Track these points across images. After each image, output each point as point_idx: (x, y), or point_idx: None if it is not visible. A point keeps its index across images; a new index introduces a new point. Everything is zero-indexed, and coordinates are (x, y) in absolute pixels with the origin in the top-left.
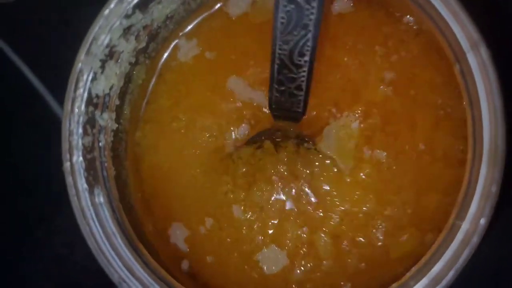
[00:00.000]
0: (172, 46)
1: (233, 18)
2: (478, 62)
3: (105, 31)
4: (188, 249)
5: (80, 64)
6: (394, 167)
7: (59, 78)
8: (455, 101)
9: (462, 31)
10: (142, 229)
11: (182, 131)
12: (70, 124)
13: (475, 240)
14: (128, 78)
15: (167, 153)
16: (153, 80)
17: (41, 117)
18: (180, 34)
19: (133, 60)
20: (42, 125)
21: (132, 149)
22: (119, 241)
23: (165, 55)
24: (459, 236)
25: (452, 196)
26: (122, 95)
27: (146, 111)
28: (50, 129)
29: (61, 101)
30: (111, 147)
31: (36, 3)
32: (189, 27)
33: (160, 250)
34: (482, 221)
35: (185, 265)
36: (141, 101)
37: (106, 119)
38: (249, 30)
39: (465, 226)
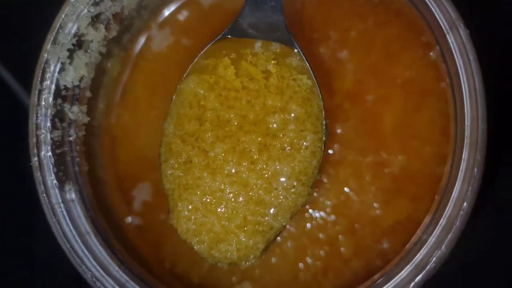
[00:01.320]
0: (146, 36)
1: (206, 7)
2: (457, 42)
3: (72, 19)
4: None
5: (46, 54)
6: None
7: (27, 66)
8: (435, 83)
9: (441, 12)
10: (120, 225)
11: (161, 120)
12: (37, 118)
13: (457, 225)
14: (101, 71)
15: (146, 143)
16: (129, 71)
17: (8, 109)
18: (154, 24)
19: (103, 50)
20: (10, 117)
21: (109, 142)
22: (93, 239)
23: (140, 45)
24: (442, 222)
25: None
26: (95, 88)
27: (122, 103)
28: (20, 121)
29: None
30: (83, 141)
31: None
32: (163, 17)
33: (139, 246)
34: (465, 205)
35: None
36: (116, 94)
37: (76, 112)
38: (223, 17)
39: (447, 211)
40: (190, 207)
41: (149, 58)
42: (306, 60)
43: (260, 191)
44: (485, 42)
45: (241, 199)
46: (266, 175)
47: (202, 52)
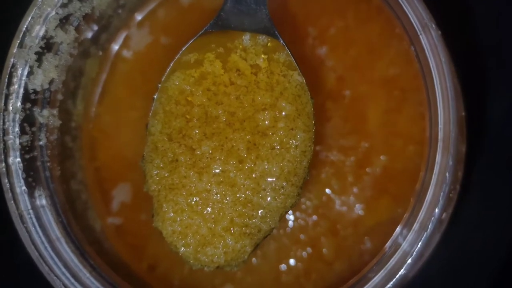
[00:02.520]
0: (124, 35)
1: (185, 5)
2: (429, 43)
3: (39, 21)
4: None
5: (12, 58)
6: None
7: None
8: (417, 80)
9: (413, 12)
10: (98, 228)
11: (141, 120)
12: (4, 123)
13: (428, 231)
14: (79, 72)
15: (126, 144)
16: (107, 71)
17: None
18: (132, 23)
19: (75, 52)
20: None
21: (89, 143)
22: (63, 245)
23: (118, 45)
24: (415, 227)
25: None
26: (73, 89)
27: (102, 104)
28: None
29: None
30: (60, 143)
31: None
32: (142, 16)
33: (118, 248)
34: (436, 211)
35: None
36: (95, 94)
37: (46, 116)
38: (202, 15)
39: (420, 216)
40: (175, 208)
41: (128, 57)
42: (292, 55)
43: (247, 192)
44: (459, 43)
45: (228, 200)
46: (254, 175)
47: (184, 48)
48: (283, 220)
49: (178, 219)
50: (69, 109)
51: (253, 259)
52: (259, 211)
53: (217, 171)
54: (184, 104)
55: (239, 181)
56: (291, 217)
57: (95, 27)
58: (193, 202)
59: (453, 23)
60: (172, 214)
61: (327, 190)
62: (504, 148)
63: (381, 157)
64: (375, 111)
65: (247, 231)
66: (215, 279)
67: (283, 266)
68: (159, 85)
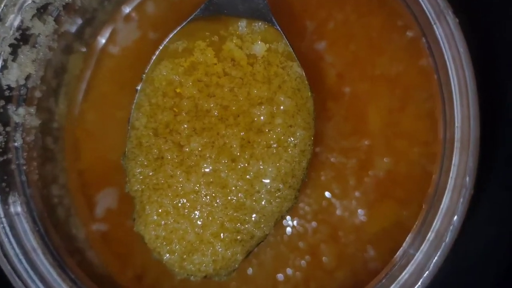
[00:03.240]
0: (110, 30)
1: None
2: (445, 33)
3: (13, 10)
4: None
5: None
6: None
7: None
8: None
9: (428, 0)
10: (80, 235)
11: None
12: None
13: (447, 241)
14: (61, 68)
15: (112, 145)
16: (92, 68)
17: None
18: (119, 16)
19: (54, 45)
20: None
21: (72, 145)
22: (40, 257)
23: (104, 40)
24: (430, 236)
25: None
26: (55, 87)
27: (86, 102)
28: None
29: None
30: (34, 146)
31: None
32: (129, 9)
33: (102, 256)
34: (455, 219)
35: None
36: (79, 92)
37: (22, 115)
38: (193, 9)
39: (435, 224)
40: (160, 210)
41: (114, 53)
42: (290, 44)
43: (240, 194)
44: (476, 33)
45: (218, 202)
46: (247, 176)
47: (171, 35)
48: (279, 226)
49: (163, 222)
50: (50, 108)
51: (249, 268)
52: (253, 216)
53: (207, 170)
54: (172, 96)
55: (231, 182)
56: (290, 223)
57: (79, 21)
58: (179, 204)
59: (468, 12)
60: (155, 217)
61: (327, 194)
62: None
63: (385, 159)
64: (377, 110)
65: (239, 237)
66: None
67: (280, 276)
68: (143, 76)
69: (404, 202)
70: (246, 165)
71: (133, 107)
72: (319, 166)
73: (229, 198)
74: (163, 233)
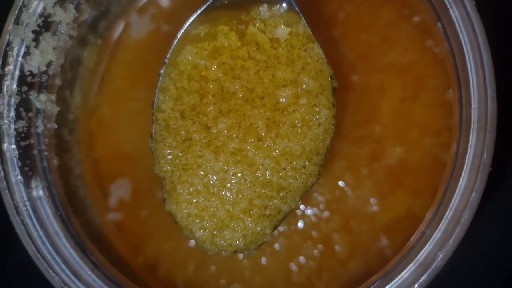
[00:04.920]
0: (124, 23)
1: None
2: (461, 15)
3: None
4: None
5: (8, 36)
6: None
7: None
8: (435, 67)
9: None
10: (97, 224)
11: (142, 112)
12: None
13: (466, 217)
14: (76, 61)
15: (126, 137)
16: (106, 61)
17: None
18: (133, 9)
19: (74, 33)
20: None
21: (87, 137)
22: (62, 240)
23: (118, 33)
24: (448, 215)
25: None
26: (70, 80)
27: (100, 95)
28: None
29: None
30: (56, 134)
31: None
32: (143, 2)
33: (117, 246)
34: (474, 195)
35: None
36: (94, 85)
37: (44, 101)
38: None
39: (453, 203)
40: (191, 189)
41: (128, 46)
42: (308, 25)
43: (267, 172)
44: (493, 16)
45: (246, 180)
46: (274, 154)
47: (192, 18)
48: (293, 216)
49: (194, 201)
50: (66, 100)
51: (262, 257)
52: (279, 192)
53: (234, 150)
54: (197, 80)
55: (258, 161)
56: (303, 212)
57: (94, 13)
58: (209, 183)
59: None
60: (187, 196)
61: (340, 184)
62: None
63: (397, 149)
64: (389, 99)
65: (267, 212)
66: (222, 279)
67: (293, 265)
68: (166, 60)
69: (417, 191)
70: (272, 144)
71: (156, 90)
72: (332, 156)
73: (256, 175)
74: (195, 211)
